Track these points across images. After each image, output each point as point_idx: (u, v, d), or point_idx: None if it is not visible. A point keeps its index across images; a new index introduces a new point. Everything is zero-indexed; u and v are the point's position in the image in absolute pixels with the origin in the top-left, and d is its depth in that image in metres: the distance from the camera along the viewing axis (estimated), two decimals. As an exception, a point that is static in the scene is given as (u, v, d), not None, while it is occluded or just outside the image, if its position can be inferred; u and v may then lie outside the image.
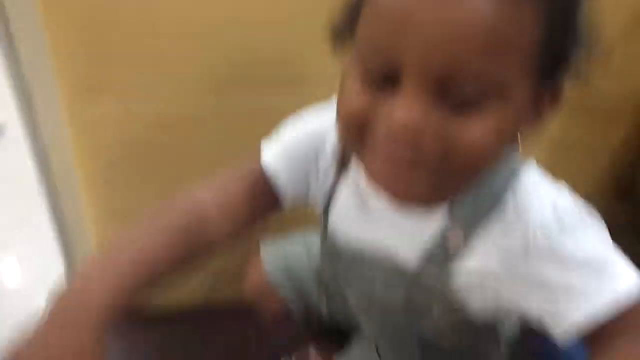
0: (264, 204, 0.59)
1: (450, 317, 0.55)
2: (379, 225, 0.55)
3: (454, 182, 0.47)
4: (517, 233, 0.49)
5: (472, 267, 0.51)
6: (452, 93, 0.40)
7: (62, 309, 0.47)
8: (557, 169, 0.92)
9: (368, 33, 0.43)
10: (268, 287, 0.75)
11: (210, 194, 0.57)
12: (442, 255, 0.52)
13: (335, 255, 0.61)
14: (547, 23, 0.41)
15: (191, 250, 0.54)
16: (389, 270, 0.55)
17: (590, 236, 0.48)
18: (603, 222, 0.49)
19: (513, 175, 0.51)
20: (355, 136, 0.46)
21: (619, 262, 0.47)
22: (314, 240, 0.75)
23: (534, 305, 0.49)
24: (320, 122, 0.59)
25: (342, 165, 0.58)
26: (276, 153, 0.59)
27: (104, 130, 0.87)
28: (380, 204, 0.54)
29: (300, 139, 0.60)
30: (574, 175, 0.87)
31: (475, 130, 0.41)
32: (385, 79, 0.42)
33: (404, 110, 0.41)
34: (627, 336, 0.46)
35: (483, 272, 0.51)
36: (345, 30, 0.47)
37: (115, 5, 0.77)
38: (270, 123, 0.62)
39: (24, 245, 1.32)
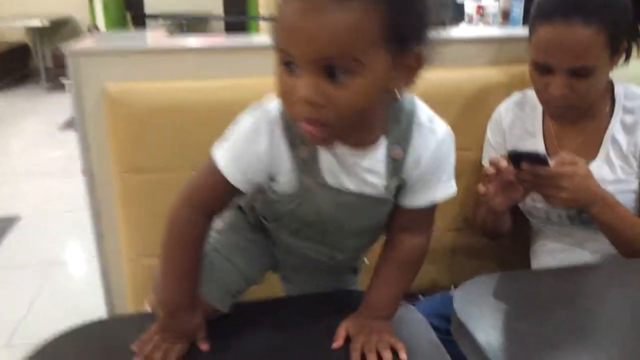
0: (229, 196, 0.79)
1: (388, 209, 0.80)
2: (349, 166, 0.75)
3: (350, 125, 0.66)
4: (430, 142, 0.74)
5: (409, 168, 0.75)
6: (328, 71, 0.60)
7: (168, 322, 0.77)
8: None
9: (276, 40, 0.64)
10: None
11: (194, 209, 0.77)
12: (393, 165, 0.75)
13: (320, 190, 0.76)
14: (387, 15, 0.60)
15: (200, 253, 0.80)
16: (364, 193, 0.76)
17: (452, 154, 0.77)
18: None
19: (413, 105, 0.74)
20: (287, 106, 0.66)
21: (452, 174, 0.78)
22: None
23: (417, 187, 0.77)
24: (253, 123, 0.75)
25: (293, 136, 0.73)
26: (227, 159, 0.74)
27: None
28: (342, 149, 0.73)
29: (243, 139, 0.74)
30: (441, 215, 1.30)
31: (347, 93, 0.61)
32: (291, 65, 0.62)
33: (301, 89, 0.61)
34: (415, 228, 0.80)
35: (419, 169, 0.75)
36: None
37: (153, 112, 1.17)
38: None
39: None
